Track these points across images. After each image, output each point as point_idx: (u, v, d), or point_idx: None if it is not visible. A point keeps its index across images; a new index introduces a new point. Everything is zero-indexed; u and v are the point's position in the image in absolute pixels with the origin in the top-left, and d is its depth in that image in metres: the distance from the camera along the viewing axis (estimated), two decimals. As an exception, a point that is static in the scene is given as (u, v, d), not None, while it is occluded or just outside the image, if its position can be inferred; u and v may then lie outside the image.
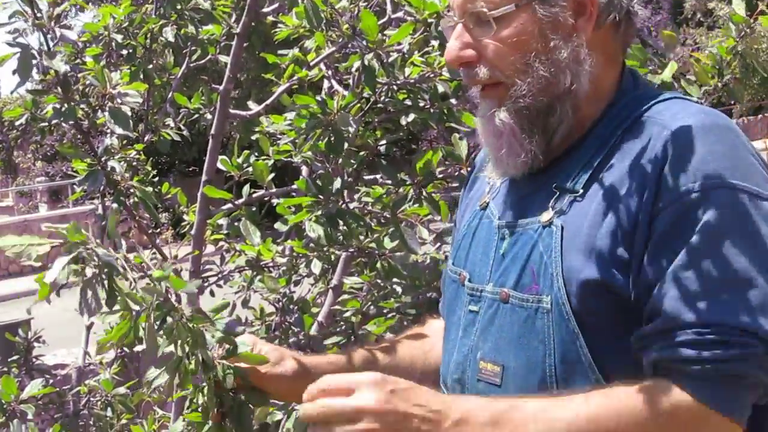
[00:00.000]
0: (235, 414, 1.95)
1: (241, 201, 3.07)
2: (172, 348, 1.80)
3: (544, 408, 1.65)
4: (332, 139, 2.74)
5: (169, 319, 1.77)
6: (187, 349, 1.82)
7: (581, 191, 1.80)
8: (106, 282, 1.69)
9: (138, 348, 4.03)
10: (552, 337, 1.73)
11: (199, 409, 1.96)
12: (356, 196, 2.92)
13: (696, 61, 2.93)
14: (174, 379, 1.86)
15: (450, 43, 1.86)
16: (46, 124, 2.90)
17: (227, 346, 1.90)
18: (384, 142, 3.09)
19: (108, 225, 1.73)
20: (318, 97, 2.79)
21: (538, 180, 1.89)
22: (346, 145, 2.76)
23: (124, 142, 3.05)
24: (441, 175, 2.84)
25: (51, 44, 2.57)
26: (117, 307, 1.74)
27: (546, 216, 1.81)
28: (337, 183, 2.75)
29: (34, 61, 2.47)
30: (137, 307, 1.75)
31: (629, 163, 1.76)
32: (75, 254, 1.67)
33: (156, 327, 1.77)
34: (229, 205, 3.08)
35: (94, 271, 1.68)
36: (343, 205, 2.76)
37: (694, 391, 1.60)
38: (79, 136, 2.84)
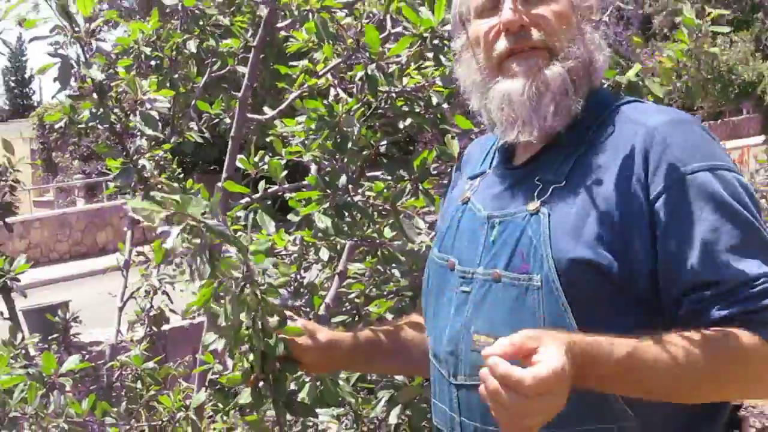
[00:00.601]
0: (274, 380, 1.95)
1: (257, 195, 3.07)
2: (238, 316, 1.80)
3: (664, 339, 1.65)
4: (338, 138, 2.74)
5: (247, 290, 1.77)
6: (252, 317, 1.82)
7: (564, 182, 1.81)
8: (207, 253, 1.69)
9: (165, 327, 4.04)
10: (542, 311, 1.73)
11: (239, 374, 1.96)
12: (360, 191, 2.92)
13: (660, 63, 2.95)
14: (231, 342, 1.86)
15: (506, 11, 1.84)
16: (83, 126, 2.90)
17: (278, 318, 1.90)
18: (384, 142, 3.08)
19: (212, 202, 1.71)
20: (325, 102, 2.79)
21: (517, 175, 1.91)
22: (350, 144, 2.76)
23: (153, 143, 3.05)
24: (435, 172, 2.84)
25: (87, 55, 2.56)
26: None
27: (533, 205, 1.81)
28: (343, 179, 2.75)
29: (72, 70, 2.47)
30: (238, 274, 1.75)
31: (610, 156, 1.79)
32: (186, 224, 1.67)
33: (236, 293, 1.77)
34: (247, 199, 3.08)
35: (202, 241, 1.68)
36: (348, 199, 2.76)
37: (765, 334, 1.64)
38: (112, 138, 2.84)
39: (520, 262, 1.79)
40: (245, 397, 1.98)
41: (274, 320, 1.89)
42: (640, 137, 1.78)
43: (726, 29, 2.98)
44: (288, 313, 2.02)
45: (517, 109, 1.85)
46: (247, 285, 1.78)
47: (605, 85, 2.50)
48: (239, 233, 1.84)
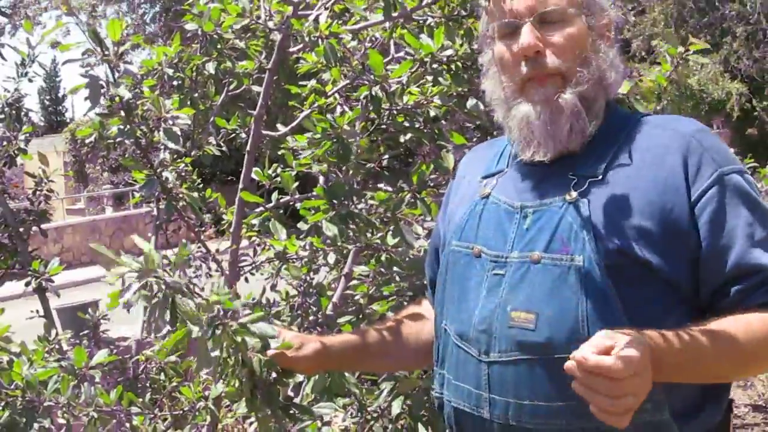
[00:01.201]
0: (266, 392, 1.96)
1: (270, 204, 3.07)
2: (217, 352, 1.81)
3: (709, 327, 1.69)
4: (341, 149, 2.74)
5: (218, 331, 1.78)
6: (231, 351, 1.83)
7: (601, 176, 1.83)
8: (169, 305, 1.69)
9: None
10: (584, 289, 1.74)
11: (236, 389, 1.97)
12: (363, 200, 2.92)
13: (641, 83, 2.96)
14: (217, 371, 1.87)
15: (525, 36, 1.86)
16: (112, 141, 2.90)
17: (262, 342, 1.91)
18: (386, 156, 3.09)
19: (177, 256, 1.72)
20: (329, 116, 2.80)
21: (546, 171, 1.91)
22: (352, 154, 2.77)
23: (175, 156, 3.05)
24: (432, 183, 2.84)
25: (116, 76, 2.56)
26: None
27: (571, 196, 1.82)
28: (347, 190, 2.75)
29: (101, 90, 2.47)
30: (195, 328, 1.75)
31: (645, 157, 1.83)
32: (145, 281, 1.67)
33: (208, 336, 1.77)
34: (261, 208, 3.08)
35: (160, 296, 1.68)
36: (353, 208, 2.76)
37: None
38: (138, 151, 2.84)
39: (560, 245, 1.79)
40: (242, 407, 1.98)
41: (258, 345, 1.90)
42: (677, 141, 1.82)
43: (706, 60, 3.00)
44: (278, 328, 2.03)
45: (535, 132, 1.88)
46: (218, 328, 1.78)
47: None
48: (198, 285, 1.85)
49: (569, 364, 1.53)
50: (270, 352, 1.94)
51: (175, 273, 1.73)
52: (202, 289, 1.82)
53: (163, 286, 1.68)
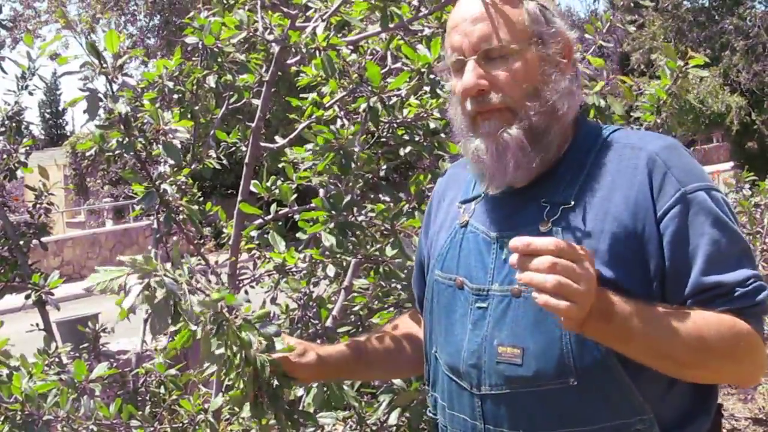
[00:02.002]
0: (270, 394, 1.96)
1: (269, 217, 3.08)
2: (222, 350, 1.82)
3: (666, 310, 1.71)
4: (343, 160, 2.74)
5: (222, 328, 1.78)
6: (235, 349, 1.83)
7: (573, 203, 1.82)
8: (172, 304, 1.70)
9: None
10: None
11: (239, 390, 1.97)
12: (363, 212, 2.92)
13: (622, 83, 2.96)
14: (222, 370, 1.87)
15: (467, 75, 1.85)
16: (112, 154, 2.91)
17: (266, 343, 1.91)
18: (384, 167, 3.09)
19: (172, 254, 1.72)
20: (332, 127, 2.80)
21: (521, 198, 1.90)
22: (353, 164, 2.77)
23: (175, 168, 3.06)
24: (430, 193, 2.85)
25: (114, 89, 2.57)
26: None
27: (544, 226, 1.82)
28: (346, 201, 2.75)
29: (100, 103, 2.47)
30: (195, 328, 1.76)
31: (614, 178, 1.82)
32: (146, 282, 1.67)
33: (212, 333, 1.78)
34: (260, 220, 3.08)
35: (163, 296, 1.69)
36: (351, 219, 2.76)
37: (754, 326, 1.74)
38: (137, 164, 2.84)
39: None
40: (246, 411, 1.98)
41: (262, 346, 1.91)
42: (642, 161, 1.81)
43: (705, 73, 3.00)
44: (281, 334, 2.03)
45: (485, 165, 1.88)
46: (222, 325, 1.79)
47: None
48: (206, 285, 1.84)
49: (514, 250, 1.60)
50: (275, 355, 1.95)
51: (175, 272, 1.73)
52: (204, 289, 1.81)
53: (164, 286, 1.69)
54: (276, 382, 1.97)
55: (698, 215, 1.75)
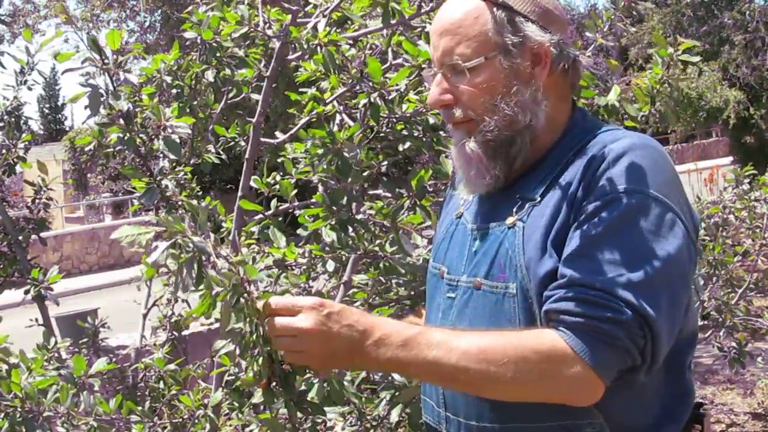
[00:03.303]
0: (283, 381, 1.95)
1: (269, 212, 3.07)
2: (240, 324, 1.80)
3: (447, 337, 1.69)
4: (340, 163, 2.74)
5: (242, 300, 1.77)
6: (254, 324, 1.82)
7: (539, 199, 1.82)
8: (195, 266, 1.69)
9: (185, 332, 4.03)
10: (518, 316, 1.75)
11: (252, 375, 1.96)
12: (363, 209, 2.92)
13: (636, 87, 2.96)
14: (238, 348, 1.86)
15: (431, 89, 1.90)
16: (111, 149, 2.90)
17: None
18: (384, 163, 3.09)
19: (200, 219, 1.72)
20: (328, 130, 2.79)
21: (504, 194, 1.91)
22: (351, 167, 2.77)
23: (175, 164, 3.05)
24: (431, 189, 2.84)
25: (115, 84, 2.56)
26: (201, 287, 1.75)
27: (510, 219, 1.83)
28: (346, 197, 2.75)
29: (101, 99, 2.47)
30: (218, 288, 1.75)
31: (574, 173, 1.80)
32: (173, 241, 1.67)
33: (231, 305, 1.77)
34: (260, 216, 3.08)
35: (189, 255, 1.68)
36: (351, 215, 2.76)
37: (568, 338, 1.63)
38: (137, 160, 2.84)
39: (498, 271, 1.81)
40: (258, 396, 1.98)
41: None
42: (599, 157, 1.78)
43: (696, 59, 2.99)
44: None
45: (458, 170, 1.97)
46: (243, 294, 1.78)
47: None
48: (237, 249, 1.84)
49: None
50: None
51: (203, 233, 1.73)
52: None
53: (190, 245, 1.68)
54: (288, 368, 1.97)
55: (598, 213, 1.69)
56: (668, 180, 1.76)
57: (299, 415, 2.06)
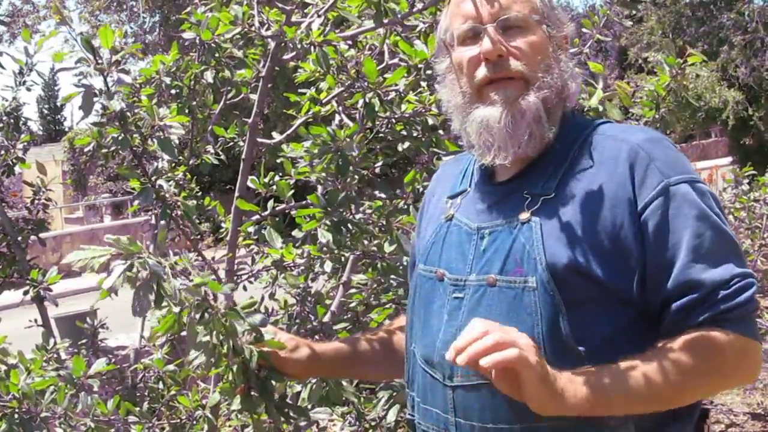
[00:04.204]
0: (260, 387, 1.95)
1: (267, 213, 3.07)
2: (208, 338, 1.81)
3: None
4: (340, 161, 2.74)
5: (207, 315, 1.77)
6: (221, 338, 1.82)
7: (553, 194, 1.81)
8: (155, 286, 1.69)
9: (184, 333, 4.04)
10: (539, 310, 1.73)
11: (228, 382, 1.96)
12: (362, 208, 2.91)
13: (619, 88, 2.95)
14: (210, 360, 1.86)
15: (487, 40, 1.85)
16: (109, 150, 2.90)
17: (255, 334, 1.91)
18: (380, 163, 3.09)
19: (158, 238, 1.72)
20: (329, 128, 2.79)
21: (503, 190, 1.90)
22: (351, 168, 2.77)
23: (173, 164, 3.05)
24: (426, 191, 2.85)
25: (110, 85, 2.56)
26: (165, 305, 1.75)
27: (524, 215, 1.81)
28: (341, 198, 2.75)
29: (95, 99, 2.47)
30: (176, 309, 1.75)
31: (596, 169, 1.81)
32: (129, 263, 1.67)
33: (197, 320, 1.77)
34: (258, 216, 3.08)
35: (146, 277, 1.68)
36: (347, 216, 2.76)
37: (738, 330, 1.69)
38: (134, 161, 2.84)
39: (514, 266, 1.78)
40: (236, 403, 1.98)
41: (249, 337, 1.90)
42: (624, 152, 1.79)
43: (704, 72, 3.00)
44: (273, 329, 2.03)
45: (494, 135, 1.86)
46: (207, 310, 1.78)
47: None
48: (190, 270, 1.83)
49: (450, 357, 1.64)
50: (265, 349, 1.95)
51: (161, 254, 1.73)
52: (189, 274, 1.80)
53: (147, 268, 1.68)
54: (265, 375, 1.97)
55: (681, 207, 1.73)
56: (687, 161, 1.84)
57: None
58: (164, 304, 1.74)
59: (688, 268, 1.70)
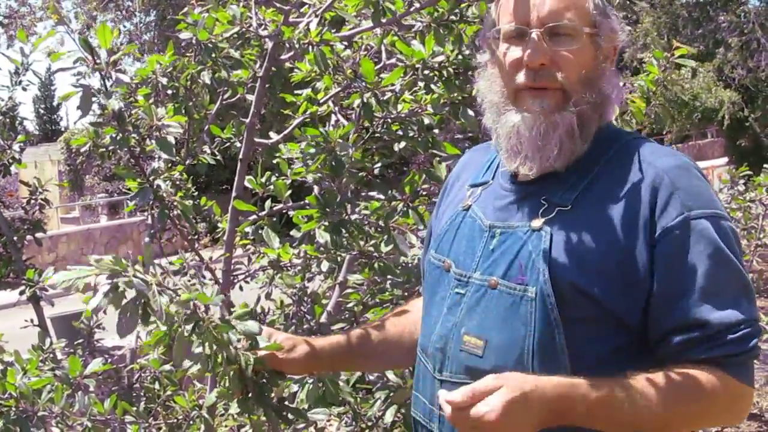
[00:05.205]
0: (258, 391, 1.95)
1: (264, 213, 3.07)
2: (200, 349, 1.81)
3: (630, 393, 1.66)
4: (333, 162, 2.74)
5: (198, 328, 1.77)
6: (215, 348, 1.82)
7: (570, 207, 1.78)
8: (142, 304, 1.69)
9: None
10: (534, 322, 1.72)
11: (225, 388, 1.96)
12: (357, 210, 2.91)
13: (632, 102, 2.96)
14: (204, 369, 1.86)
15: (533, 46, 1.80)
16: (106, 150, 2.90)
17: (250, 341, 1.91)
18: (378, 164, 3.09)
19: (144, 255, 1.71)
20: (322, 129, 2.79)
21: (523, 191, 1.87)
22: (345, 168, 2.76)
23: (170, 164, 3.05)
24: (424, 192, 2.84)
25: (108, 85, 2.56)
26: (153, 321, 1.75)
27: (536, 222, 1.79)
28: (338, 198, 2.75)
29: (93, 99, 2.47)
30: (164, 328, 1.75)
31: (617, 190, 1.77)
32: (114, 284, 1.67)
33: (188, 332, 1.77)
34: (255, 216, 3.07)
35: (131, 297, 1.68)
36: (345, 216, 2.76)
37: (737, 375, 1.68)
38: (131, 160, 2.84)
39: (517, 272, 1.77)
40: (234, 407, 1.98)
41: (245, 343, 1.90)
42: (649, 177, 1.75)
43: (692, 63, 3.00)
44: (268, 331, 2.03)
45: (524, 143, 1.83)
46: (198, 322, 1.78)
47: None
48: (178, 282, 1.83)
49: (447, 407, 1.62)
50: (260, 353, 1.95)
51: (147, 271, 1.73)
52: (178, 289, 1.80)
53: (132, 287, 1.68)
54: (263, 379, 1.97)
55: (698, 243, 1.70)
56: (713, 193, 1.79)
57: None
58: (152, 319, 1.74)
59: (695, 306, 1.68)
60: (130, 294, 1.68)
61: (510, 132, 1.85)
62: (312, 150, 2.75)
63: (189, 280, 3.23)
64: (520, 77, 1.83)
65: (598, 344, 1.72)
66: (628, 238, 1.72)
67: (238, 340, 1.89)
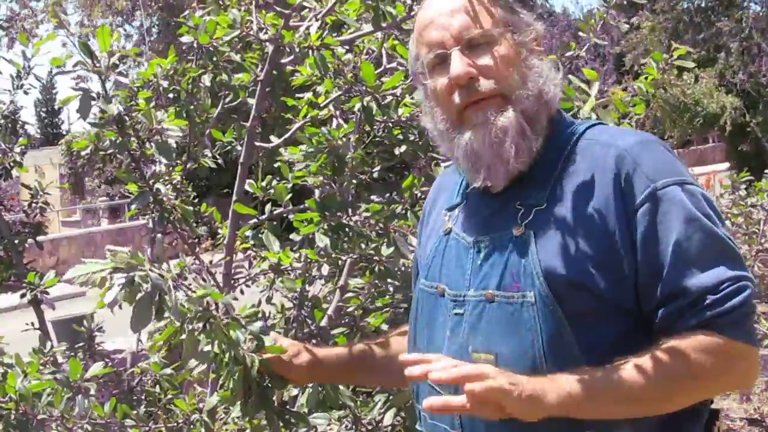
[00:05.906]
0: (260, 394, 1.95)
1: (264, 216, 3.07)
2: (208, 348, 1.81)
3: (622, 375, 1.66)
4: (335, 162, 2.74)
5: (209, 325, 1.77)
6: (223, 347, 1.82)
7: (545, 204, 1.79)
8: (157, 299, 1.69)
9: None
10: (539, 325, 1.72)
11: (228, 390, 1.96)
12: (358, 213, 2.91)
13: (614, 95, 2.96)
14: (210, 368, 1.86)
15: (455, 64, 1.83)
16: (106, 153, 2.90)
17: (256, 342, 1.91)
18: (377, 168, 3.09)
19: (157, 251, 1.72)
20: (323, 129, 2.80)
21: (497, 202, 1.88)
22: (347, 168, 2.76)
23: (171, 168, 3.05)
24: (423, 196, 2.84)
25: (108, 88, 2.56)
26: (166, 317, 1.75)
27: (517, 229, 1.79)
28: (339, 202, 2.75)
29: (93, 102, 2.47)
30: (177, 323, 1.75)
31: (585, 177, 1.78)
32: (130, 277, 1.66)
33: (199, 330, 1.77)
34: (255, 220, 3.08)
35: (146, 291, 1.67)
36: (344, 220, 2.76)
37: (730, 334, 1.65)
38: (132, 164, 2.84)
39: (511, 281, 1.77)
40: (236, 411, 1.98)
41: (251, 345, 1.90)
42: (611, 158, 1.77)
43: (691, 64, 3.01)
44: (274, 335, 2.03)
45: (482, 157, 1.85)
46: (209, 320, 1.78)
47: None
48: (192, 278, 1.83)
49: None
50: (266, 356, 1.95)
51: (162, 267, 1.73)
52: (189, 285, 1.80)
53: (149, 281, 1.67)
54: (266, 383, 1.97)
55: (668, 213, 1.71)
56: (679, 162, 1.81)
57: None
58: (165, 315, 1.73)
59: (675, 276, 1.68)
60: (146, 288, 1.68)
61: (466, 151, 1.86)
62: (312, 150, 2.75)
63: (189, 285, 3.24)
64: (456, 98, 1.86)
65: (605, 333, 1.72)
66: (606, 224, 1.73)
67: (245, 341, 1.89)
